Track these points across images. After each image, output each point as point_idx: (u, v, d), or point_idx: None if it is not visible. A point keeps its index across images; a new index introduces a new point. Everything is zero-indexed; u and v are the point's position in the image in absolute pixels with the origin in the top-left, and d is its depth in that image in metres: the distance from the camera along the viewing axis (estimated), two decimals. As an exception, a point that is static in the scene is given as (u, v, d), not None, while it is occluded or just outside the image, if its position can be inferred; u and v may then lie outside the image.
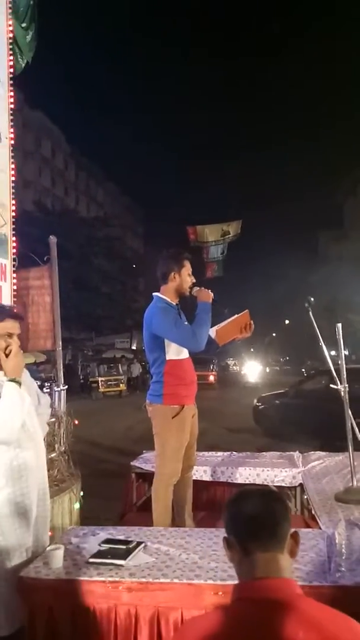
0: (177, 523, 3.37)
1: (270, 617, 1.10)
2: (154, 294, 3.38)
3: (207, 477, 4.08)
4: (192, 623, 1.27)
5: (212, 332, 3.28)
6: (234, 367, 43.45)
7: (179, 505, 3.42)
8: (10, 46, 4.11)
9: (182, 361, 3.29)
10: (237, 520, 1.25)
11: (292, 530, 1.25)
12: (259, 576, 1.17)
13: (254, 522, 1.21)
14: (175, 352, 3.24)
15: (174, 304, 3.33)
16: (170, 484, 3.26)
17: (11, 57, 4.12)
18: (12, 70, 4.13)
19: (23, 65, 4.48)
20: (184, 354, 3.29)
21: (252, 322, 3.31)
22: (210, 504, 4.10)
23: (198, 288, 3.31)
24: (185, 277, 3.30)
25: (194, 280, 3.35)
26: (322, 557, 2.23)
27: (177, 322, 3.19)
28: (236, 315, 3.34)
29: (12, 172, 4.04)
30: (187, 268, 3.32)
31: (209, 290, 3.28)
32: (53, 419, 3.89)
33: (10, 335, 2.40)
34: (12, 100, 4.10)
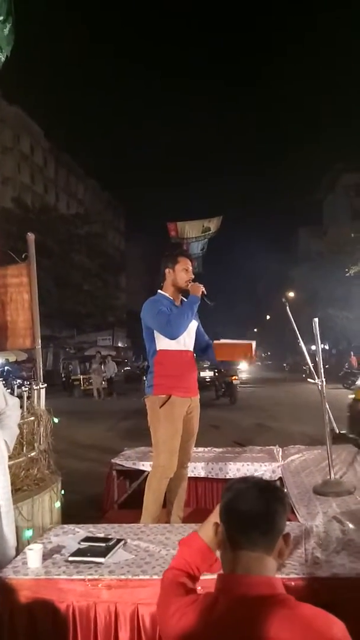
0: (169, 520, 3.39)
1: (249, 613, 1.10)
2: (158, 291, 3.51)
3: (189, 473, 4.10)
4: (173, 611, 1.24)
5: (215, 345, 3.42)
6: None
7: (170, 501, 3.44)
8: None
9: (174, 352, 3.35)
10: (231, 511, 1.23)
11: (285, 532, 1.23)
12: (240, 572, 1.17)
13: (248, 519, 1.19)
14: (166, 342, 3.32)
15: (171, 298, 3.43)
16: (164, 477, 3.26)
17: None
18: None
19: (3, 59, 4.41)
20: (178, 345, 3.34)
21: (255, 353, 3.39)
22: (191, 499, 4.13)
23: (192, 283, 3.43)
24: (179, 272, 3.42)
25: (192, 276, 3.46)
26: (300, 549, 2.26)
27: (160, 311, 3.28)
28: (240, 341, 3.45)
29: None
30: (182, 264, 3.44)
31: (201, 285, 3.38)
32: (32, 418, 3.86)
33: None
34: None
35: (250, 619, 1.09)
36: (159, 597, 1.35)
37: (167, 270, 3.45)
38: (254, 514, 1.19)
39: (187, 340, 3.41)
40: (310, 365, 3.36)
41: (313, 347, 4.13)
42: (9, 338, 4.37)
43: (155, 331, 3.34)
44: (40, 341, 4.49)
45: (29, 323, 4.46)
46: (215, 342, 3.41)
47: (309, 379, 3.38)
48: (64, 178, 50.97)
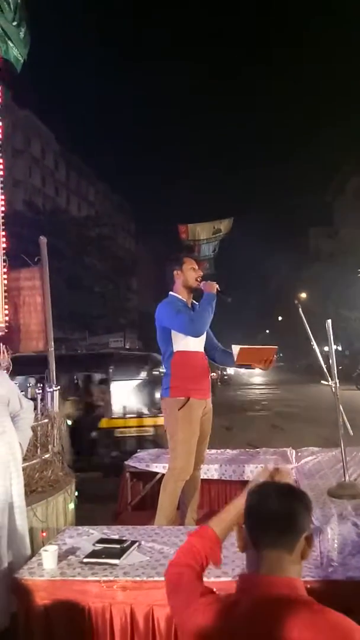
0: (183, 522, 3.39)
1: (271, 614, 1.10)
2: (170, 293, 3.52)
3: (201, 475, 4.09)
4: (193, 610, 1.24)
5: (236, 349, 3.38)
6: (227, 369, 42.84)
7: (183, 503, 3.43)
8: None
9: (191, 353, 3.36)
10: (253, 513, 1.25)
11: (307, 533, 1.23)
12: (263, 572, 1.17)
13: (269, 518, 1.21)
14: (183, 344, 3.33)
15: (184, 299, 3.45)
16: (180, 479, 3.26)
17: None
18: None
19: (22, 61, 4.46)
20: (193, 346, 3.35)
21: (275, 357, 3.42)
22: (204, 501, 4.12)
23: (205, 282, 3.45)
24: (187, 271, 3.44)
25: (201, 274, 3.49)
26: (315, 552, 2.25)
27: (180, 311, 3.29)
28: (266, 347, 3.45)
29: (1, 172, 4.02)
30: (189, 263, 3.47)
31: (214, 283, 3.41)
32: (46, 420, 3.88)
33: None
34: (-1, 100, 4.09)
35: (272, 620, 1.09)
36: (171, 596, 1.34)
37: (175, 273, 3.47)
38: (274, 513, 1.20)
39: (201, 342, 3.41)
40: (324, 366, 3.34)
41: (326, 349, 4.11)
42: (22, 340, 4.41)
43: (172, 332, 3.33)
44: (53, 343, 4.52)
45: (41, 326, 4.49)
46: (241, 347, 3.37)
47: (322, 381, 3.36)
48: (75, 181, 51.22)
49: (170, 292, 3.50)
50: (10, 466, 2.58)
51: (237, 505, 1.45)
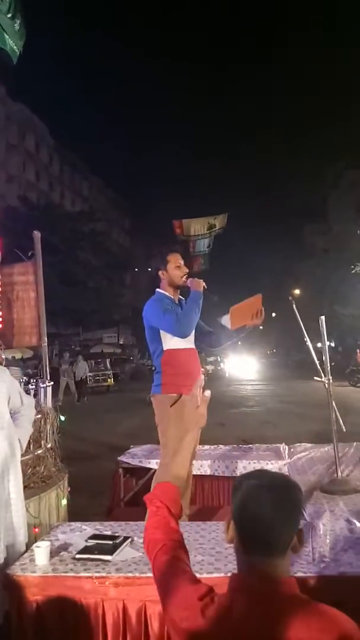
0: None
1: (263, 614, 1.10)
2: (156, 290, 3.48)
3: (194, 471, 4.10)
4: (189, 612, 1.20)
5: (226, 316, 3.31)
6: (222, 364, 42.80)
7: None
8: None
9: (181, 350, 3.33)
10: (243, 514, 1.19)
11: (298, 528, 1.20)
12: (255, 573, 1.16)
13: (259, 526, 1.16)
14: (173, 342, 3.31)
15: (172, 297, 3.43)
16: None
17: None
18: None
19: (18, 53, 4.43)
20: (184, 343, 3.33)
21: (262, 308, 3.35)
22: (197, 497, 4.12)
23: (191, 279, 3.41)
24: (172, 270, 3.40)
25: (186, 271, 3.44)
26: (307, 547, 2.26)
27: (166, 311, 3.26)
28: (251, 298, 3.38)
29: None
30: (173, 262, 3.42)
31: (201, 280, 3.37)
32: (39, 416, 3.87)
33: None
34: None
35: (268, 620, 1.08)
36: (164, 593, 1.29)
37: (160, 272, 3.44)
38: (266, 520, 1.15)
39: (191, 337, 3.40)
40: (317, 363, 3.35)
41: (319, 345, 4.12)
42: (15, 336, 4.39)
43: (161, 331, 3.32)
44: (46, 339, 4.50)
45: (35, 321, 4.47)
46: (231, 310, 3.30)
47: (315, 377, 3.37)
48: (69, 175, 51.02)
49: (157, 290, 3.48)
50: (8, 462, 2.57)
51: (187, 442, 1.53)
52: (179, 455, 1.62)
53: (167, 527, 1.38)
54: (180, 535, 1.38)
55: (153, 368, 3.48)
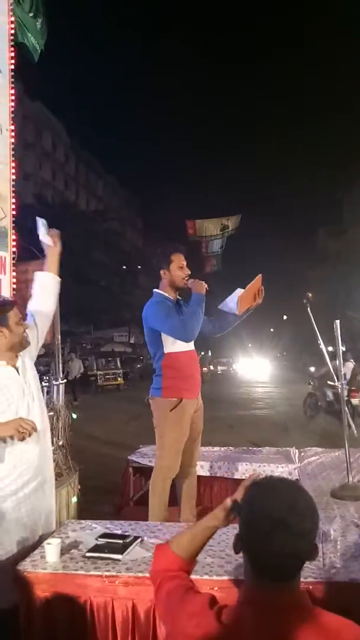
0: (182, 519, 3.39)
1: (277, 625, 1.08)
2: (154, 290, 3.42)
3: (204, 472, 4.10)
4: (195, 616, 1.18)
5: (233, 304, 3.31)
6: (234, 365, 42.50)
7: (183, 501, 3.43)
8: (12, 37, 4.08)
9: (182, 354, 3.30)
10: (256, 542, 1.12)
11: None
12: (265, 588, 1.13)
13: (274, 561, 1.10)
14: (174, 345, 3.26)
15: (171, 298, 3.36)
16: (167, 477, 3.27)
17: (12, 48, 4.09)
18: (13, 60, 4.09)
19: (39, 51, 4.48)
20: (185, 346, 3.29)
21: (262, 287, 3.35)
22: (208, 498, 4.13)
23: (193, 280, 3.35)
24: (174, 271, 3.34)
25: (188, 272, 3.38)
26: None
27: (169, 314, 3.21)
28: (253, 281, 3.36)
29: (13, 165, 4.02)
30: (176, 262, 3.36)
31: (203, 282, 3.31)
32: (51, 413, 3.89)
33: (22, 319, 2.49)
34: (12, 91, 4.08)
35: (278, 632, 1.07)
36: (167, 604, 1.28)
37: (162, 272, 3.37)
38: (281, 555, 1.08)
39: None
40: (330, 366, 3.33)
41: (330, 349, 4.10)
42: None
43: (162, 334, 3.26)
44: (60, 336, 4.53)
45: (49, 318, 4.49)
46: (239, 297, 3.29)
47: (328, 381, 3.35)
48: (84, 174, 51.26)
49: (156, 290, 3.40)
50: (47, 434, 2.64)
51: (208, 527, 1.38)
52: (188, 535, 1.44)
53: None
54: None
55: (153, 370, 3.43)
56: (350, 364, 11.80)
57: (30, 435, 2.27)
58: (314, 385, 12.46)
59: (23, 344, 2.51)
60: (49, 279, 2.89)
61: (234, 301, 3.32)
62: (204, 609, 1.18)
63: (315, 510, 1.14)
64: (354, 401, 10.88)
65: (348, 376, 11.38)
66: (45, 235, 2.97)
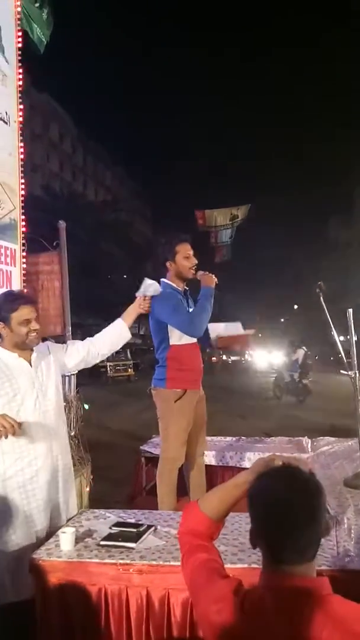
0: None
1: (296, 611, 1.09)
2: (161, 279, 3.37)
3: (215, 462, 4.11)
4: (217, 601, 1.20)
5: (215, 339, 3.35)
6: (247, 354, 42.28)
7: (192, 490, 3.44)
8: (19, 27, 4.05)
9: (186, 346, 3.28)
10: (266, 530, 1.16)
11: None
12: (284, 574, 1.14)
13: (285, 539, 1.13)
14: (179, 337, 3.25)
15: (179, 289, 3.33)
16: (174, 468, 3.27)
17: (20, 39, 4.07)
18: (20, 52, 4.07)
19: (45, 42, 4.44)
20: (189, 339, 3.27)
21: (250, 339, 3.42)
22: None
23: (202, 272, 3.29)
24: (180, 261, 3.27)
25: (195, 262, 3.30)
26: (331, 541, 2.24)
27: (177, 308, 3.18)
28: (239, 333, 3.38)
29: (21, 157, 4.01)
30: (182, 252, 3.28)
31: (213, 275, 3.26)
32: (64, 404, 3.91)
33: (28, 321, 2.44)
34: (20, 83, 4.06)
35: (298, 617, 1.08)
36: (192, 579, 1.30)
37: (167, 263, 3.30)
38: (292, 533, 1.12)
39: None
40: (344, 356, 3.30)
41: (341, 338, 4.06)
42: (40, 325, 4.44)
43: (169, 326, 3.22)
44: (70, 328, 4.55)
45: (59, 310, 4.52)
46: (218, 337, 3.33)
47: (341, 370, 3.33)
48: (92, 165, 51.16)
49: (163, 280, 3.32)
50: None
51: (238, 485, 1.36)
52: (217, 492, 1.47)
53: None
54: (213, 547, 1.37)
55: (156, 361, 3.40)
56: (302, 351, 14.46)
57: (12, 434, 2.21)
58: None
59: (28, 343, 2.48)
60: (124, 330, 2.90)
61: (215, 332, 3.35)
62: (228, 595, 1.18)
63: (321, 489, 1.19)
64: (304, 382, 13.80)
65: (300, 362, 14.24)
66: (145, 294, 2.96)
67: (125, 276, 35.54)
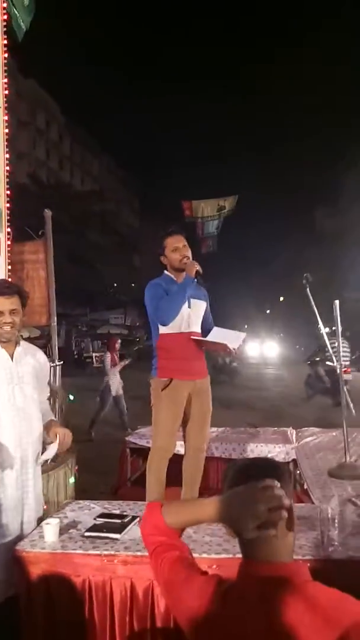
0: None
1: (277, 599, 1.09)
2: (164, 271, 3.40)
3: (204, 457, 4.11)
4: (199, 598, 1.19)
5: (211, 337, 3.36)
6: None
7: (185, 483, 3.42)
8: (5, 10, 3.96)
9: (176, 335, 3.25)
10: (233, 512, 1.17)
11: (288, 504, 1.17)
12: (261, 559, 1.15)
13: (254, 521, 1.11)
14: (169, 326, 3.23)
15: (175, 279, 3.32)
16: (163, 457, 3.26)
17: (4, 22, 3.97)
18: (5, 36, 3.98)
19: (24, 30, 4.34)
20: (177, 328, 3.24)
21: (236, 349, 3.29)
22: (204, 478, 4.14)
23: (190, 262, 3.27)
24: (170, 254, 3.29)
25: (185, 253, 3.28)
26: (316, 531, 2.26)
27: (154, 296, 3.21)
28: (216, 343, 3.34)
29: (6, 144, 3.94)
30: (169, 246, 3.29)
31: (195, 263, 3.24)
32: (48, 394, 3.89)
33: (1, 313, 2.39)
34: (5, 68, 3.97)
35: (278, 605, 1.08)
36: (163, 576, 1.28)
37: (161, 258, 3.36)
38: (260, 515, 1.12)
39: (191, 323, 3.29)
40: (330, 347, 3.33)
41: (327, 330, 4.09)
42: (25, 315, 4.38)
43: None
44: (55, 318, 4.51)
45: (44, 300, 4.48)
46: (194, 338, 3.29)
47: (327, 362, 3.35)
48: (79, 154, 50.61)
49: (165, 272, 3.38)
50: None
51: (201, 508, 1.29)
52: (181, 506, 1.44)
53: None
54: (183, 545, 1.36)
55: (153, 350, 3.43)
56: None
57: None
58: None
59: (10, 336, 2.44)
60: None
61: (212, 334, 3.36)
62: (209, 590, 1.18)
63: (276, 464, 1.27)
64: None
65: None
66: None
67: (110, 266, 35.39)
